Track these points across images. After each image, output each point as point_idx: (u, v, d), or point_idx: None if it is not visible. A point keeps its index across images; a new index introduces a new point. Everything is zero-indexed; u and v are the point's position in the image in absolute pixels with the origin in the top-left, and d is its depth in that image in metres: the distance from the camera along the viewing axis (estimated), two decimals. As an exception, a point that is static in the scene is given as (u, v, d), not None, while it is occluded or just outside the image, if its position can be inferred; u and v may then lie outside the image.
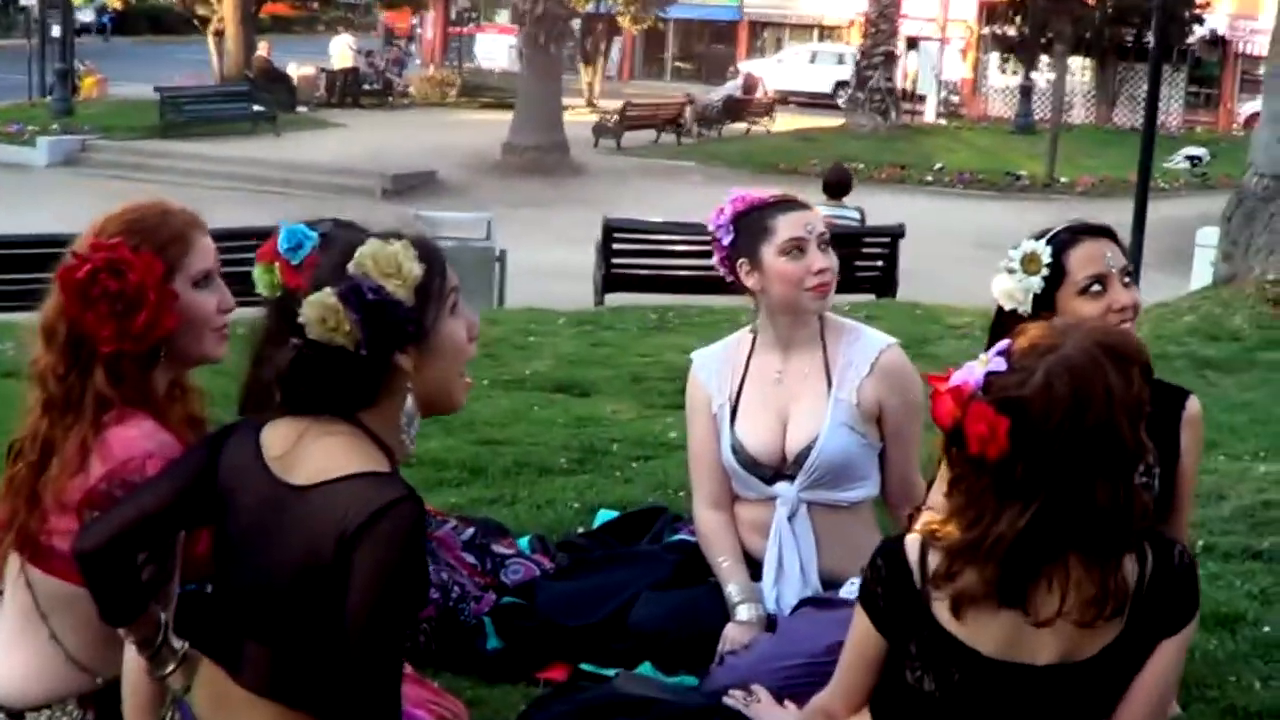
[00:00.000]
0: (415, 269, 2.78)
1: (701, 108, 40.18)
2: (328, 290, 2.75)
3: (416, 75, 48.31)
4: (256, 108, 36.37)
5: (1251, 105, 44.13)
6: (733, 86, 43.13)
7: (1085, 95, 47.25)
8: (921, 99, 45.87)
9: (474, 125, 38.22)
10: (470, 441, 7.13)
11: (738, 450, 4.60)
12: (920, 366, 4.74)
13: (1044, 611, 2.81)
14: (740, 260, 4.56)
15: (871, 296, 14.61)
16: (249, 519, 2.82)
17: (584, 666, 4.47)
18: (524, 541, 5.30)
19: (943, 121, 44.84)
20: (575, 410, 8.44)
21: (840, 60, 50.01)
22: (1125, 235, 4.12)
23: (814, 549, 4.54)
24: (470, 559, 4.86)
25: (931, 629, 2.90)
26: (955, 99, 49.43)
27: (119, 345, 3.16)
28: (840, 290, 4.89)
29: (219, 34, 42.12)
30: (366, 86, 44.02)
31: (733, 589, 4.50)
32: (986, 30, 48.88)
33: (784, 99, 45.71)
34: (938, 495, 3.76)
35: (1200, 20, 44.31)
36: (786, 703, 3.86)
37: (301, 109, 40.09)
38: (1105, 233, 3.92)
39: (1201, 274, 14.42)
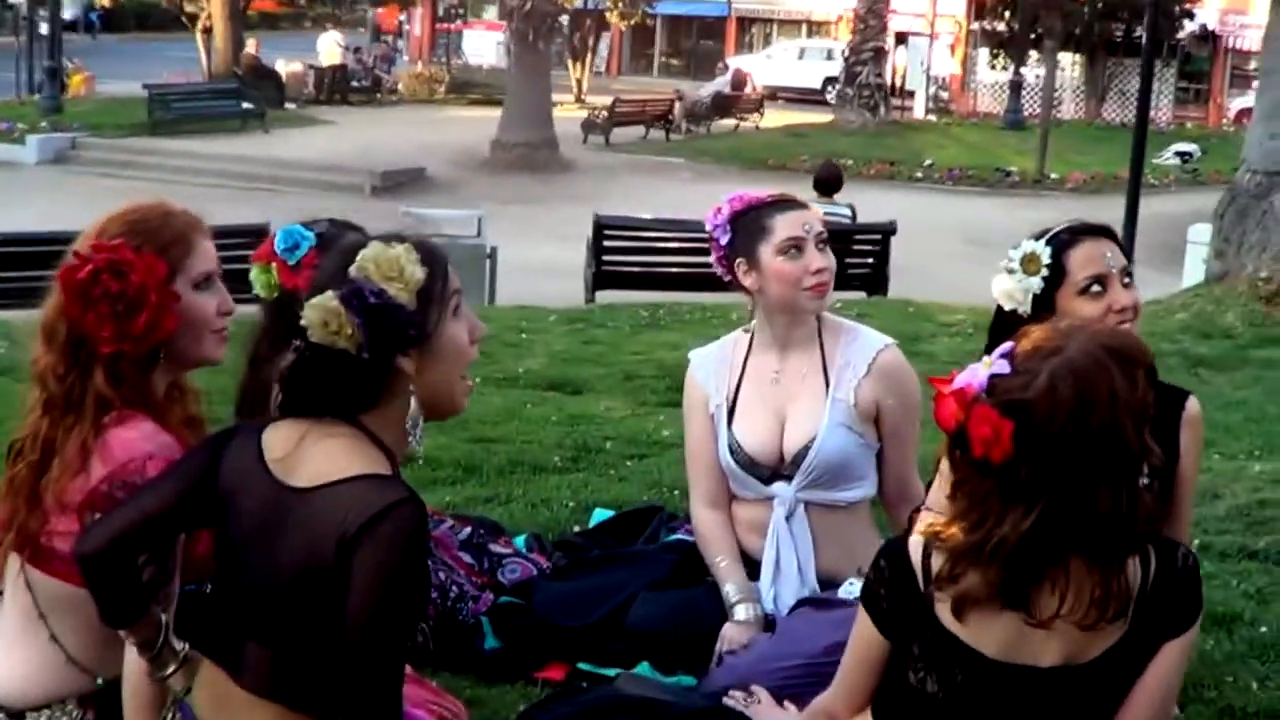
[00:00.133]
0: (417, 272, 2.78)
1: (690, 104, 40.15)
2: (330, 293, 2.74)
3: (405, 72, 48.24)
4: (245, 105, 36.27)
5: (1241, 101, 44.30)
6: (722, 82, 43.07)
7: (1074, 91, 47.29)
8: (910, 95, 45.86)
9: (462, 122, 38.19)
10: (464, 440, 7.13)
11: (735, 450, 4.60)
12: (914, 365, 4.75)
13: (1044, 613, 2.80)
14: (738, 260, 4.56)
15: (863, 294, 14.62)
16: (250, 521, 2.82)
17: (582, 666, 4.48)
18: (520, 540, 5.31)
19: (932, 118, 44.83)
20: (568, 408, 8.45)
21: (829, 56, 50.01)
22: (1117, 232, 4.11)
23: (811, 549, 4.55)
24: (467, 558, 4.86)
25: (935, 630, 2.90)
26: (944, 95, 49.44)
27: (119, 346, 3.16)
28: (831, 288, 4.90)
29: (207, 31, 42.04)
30: (355, 83, 43.92)
31: (730, 589, 4.50)
32: (975, 26, 48.90)
33: (773, 95, 45.75)
34: (937, 495, 3.76)
35: (1190, 15, 44.38)
36: (786, 704, 3.87)
37: (290, 106, 40.00)
38: (1105, 233, 3.92)
39: (1193, 271, 14.41)
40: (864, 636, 3.05)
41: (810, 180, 15.76)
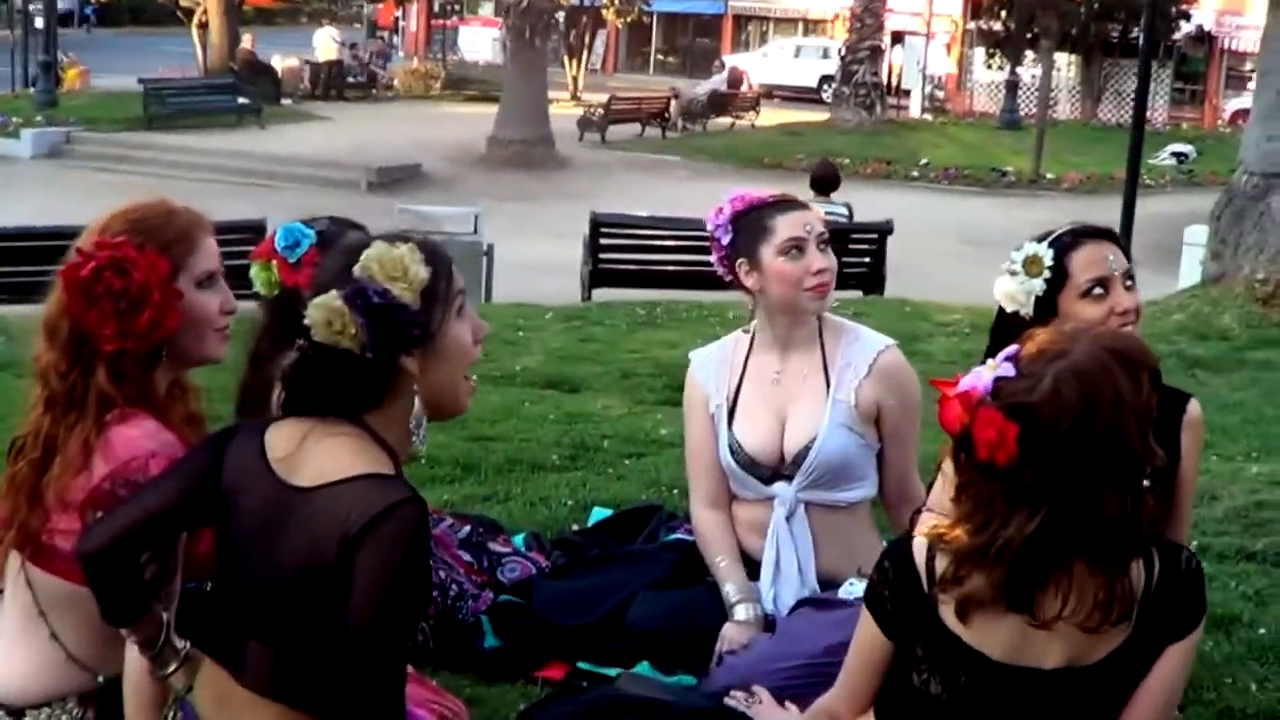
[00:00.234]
0: (421, 272, 2.77)
1: (686, 102, 40.15)
2: (333, 293, 2.73)
3: (400, 68, 48.21)
4: (241, 100, 36.23)
5: (1237, 102, 44.29)
6: (718, 81, 43.07)
7: (1070, 91, 47.30)
8: (906, 94, 45.86)
9: (458, 118, 38.16)
10: (462, 438, 7.13)
11: (736, 450, 4.60)
12: (911, 364, 4.75)
13: (1046, 614, 2.80)
14: (739, 260, 4.56)
15: (859, 293, 14.62)
16: (252, 520, 2.82)
17: (582, 665, 4.48)
18: (519, 539, 5.31)
19: (928, 117, 44.82)
20: (566, 406, 8.45)
21: (825, 55, 50.03)
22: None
23: (812, 549, 4.55)
24: (467, 557, 4.86)
25: (939, 632, 2.90)
26: (940, 94, 49.45)
27: (121, 344, 3.15)
28: (828, 287, 4.90)
29: (203, 26, 41.97)
30: (350, 79, 43.89)
31: (730, 589, 4.50)
32: (972, 25, 48.90)
33: (768, 93, 45.75)
34: (938, 496, 3.77)
35: (1187, 16, 44.38)
36: (788, 704, 3.87)
37: (286, 101, 39.95)
38: (1107, 235, 3.92)
39: (1190, 272, 14.41)
40: (867, 638, 3.05)
41: (806, 179, 15.75)
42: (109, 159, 29.98)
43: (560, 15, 39.09)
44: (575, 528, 5.73)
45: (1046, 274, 3.78)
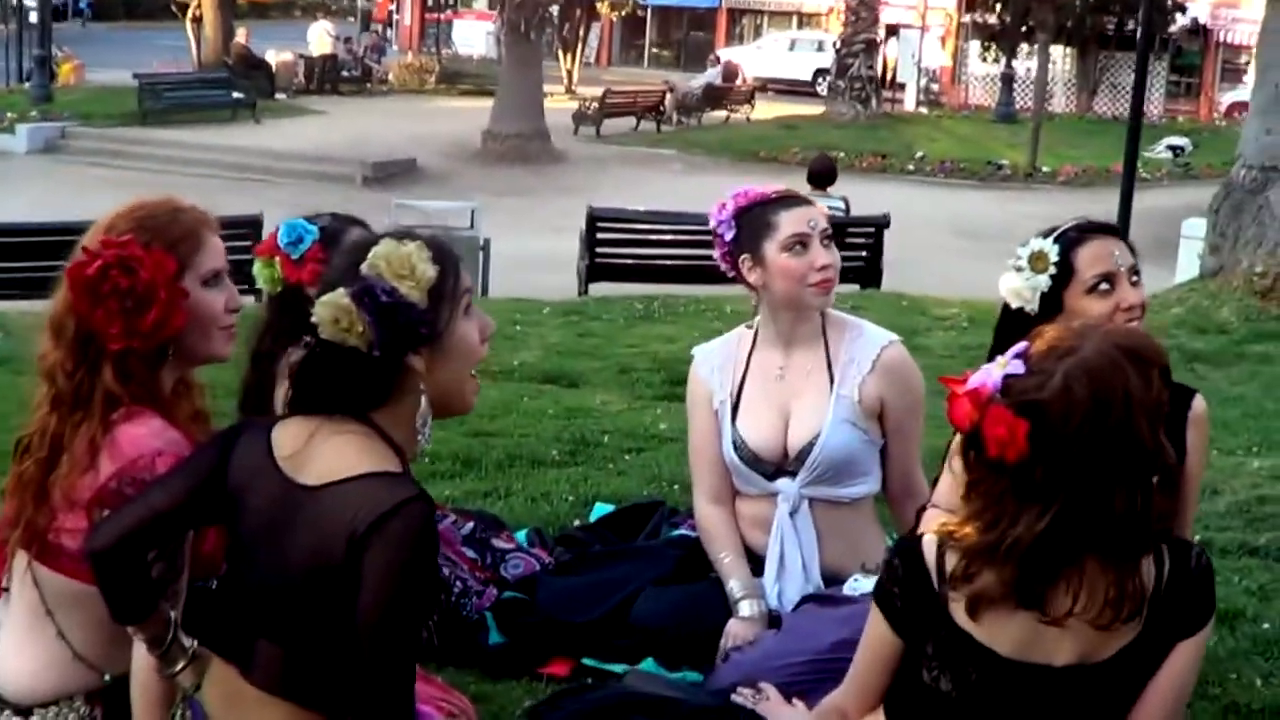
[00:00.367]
0: (429, 270, 2.77)
1: (681, 95, 40.13)
2: (341, 291, 2.74)
3: (395, 62, 48.14)
4: (236, 95, 36.17)
5: (1232, 94, 44.32)
6: (713, 74, 43.03)
7: (1066, 84, 47.30)
8: (901, 87, 45.87)
9: (453, 113, 38.11)
10: (461, 433, 7.12)
11: (739, 446, 4.59)
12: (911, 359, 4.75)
13: (1058, 611, 2.80)
14: (743, 256, 4.55)
15: (855, 287, 14.61)
16: (259, 519, 2.82)
17: (587, 662, 4.47)
18: (522, 535, 5.31)
19: (923, 110, 44.81)
20: (565, 401, 8.45)
21: (819, 48, 50.02)
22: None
23: (815, 545, 4.55)
24: (470, 554, 4.86)
25: (949, 629, 2.90)
26: (935, 87, 49.44)
27: (128, 343, 3.14)
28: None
29: (197, 20, 41.91)
30: (345, 73, 43.85)
31: (735, 585, 4.50)
32: (966, 18, 48.89)
33: (763, 86, 45.71)
34: (943, 492, 3.77)
35: (1182, 9, 44.37)
36: (794, 700, 3.86)
37: (280, 96, 39.88)
38: (1113, 231, 3.92)
39: (1188, 266, 14.39)
40: (877, 635, 3.04)
41: (802, 172, 15.75)
42: (104, 154, 29.96)
43: (554, 8, 39.04)
44: (577, 523, 5.73)
45: (1052, 270, 3.78)
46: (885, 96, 42.15)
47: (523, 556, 4.96)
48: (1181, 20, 44.91)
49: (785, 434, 4.56)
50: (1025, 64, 42.61)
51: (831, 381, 4.55)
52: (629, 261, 15.39)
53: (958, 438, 2.98)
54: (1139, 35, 17.27)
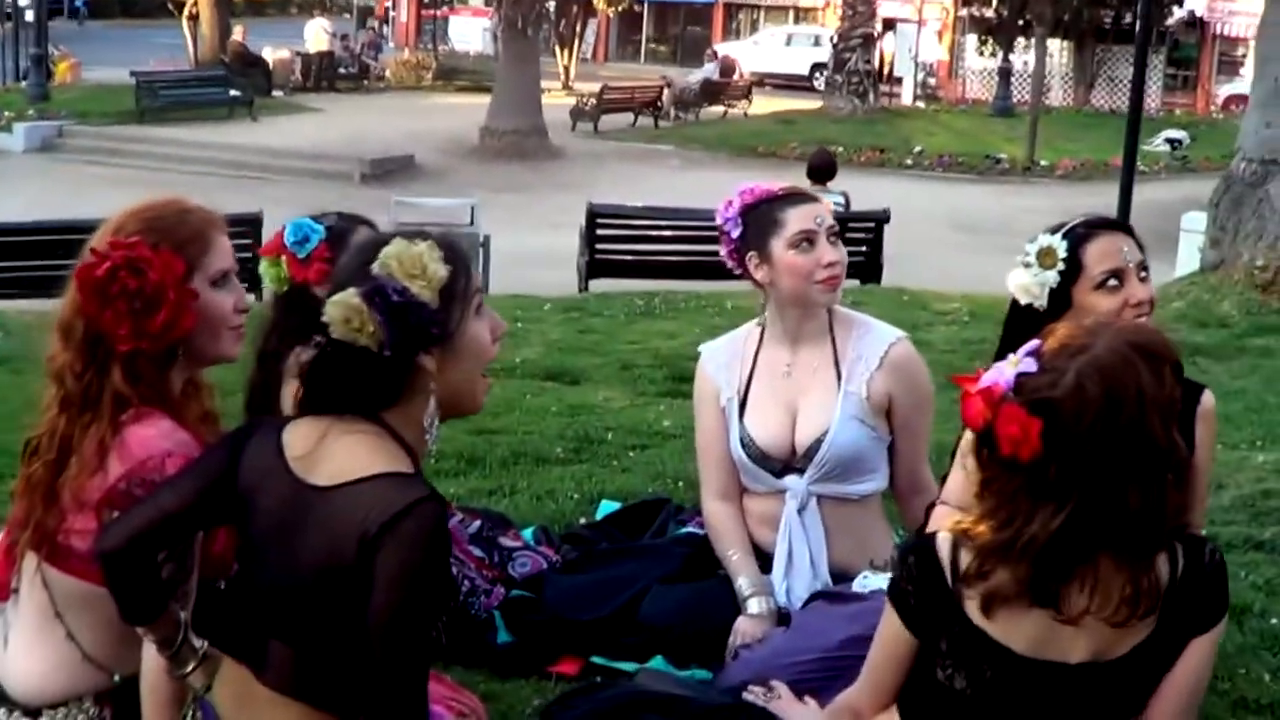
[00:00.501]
0: (440, 270, 2.77)
1: (679, 91, 40.11)
2: (352, 290, 2.73)
3: (391, 58, 48.12)
4: (233, 92, 36.18)
5: (1229, 87, 44.34)
6: (710, 69, 43.02)
7: (1063, 77, 47.26)
8: (898, 81, 45.88)
9: (451, 109, 38.11)
10: (465, 431, 7.10)
11: (747, 444, 4.59)
12: (914, 353, 4.75)
13: (1073, 610, 2.80)
14: (749, 253, 4.55)
15: (856, 282, 14.61)
16: (270, 519, 2.82)
17: (595, 660, 4.47)
18: (528, 533, 5.30)
19: (920, 104, 44.80)
20: (567, 398, 8.44)
21: (816, 42, 50.02)
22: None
23: (824, 542, 4.55)
24: (478, 552, 4.85)
25: (963, 627, 2.90)
26: (932, 81, 49.43)
27: (136, 344, 3.14)
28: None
29: (193, 18, 41.89)
30: (342, 70, 43.82)
31: (743, 582, 4.49)
32: (963, 12, 48.86)
33: (760, 81, 45.71)
34: (953, 488, 3.77)
35: (1179, 1, 44.36)
36: (806, 698, 3.86)
37: (277, 93, 39.90)
38: (1121, 227, 3.91)
39: (1187, 259, 14.40)
40: (891, 633, 3.04)
41: (801, 167, 15.74)
42: (101, 152, 29.96)
43: (551, 4, 39.01)
44: (583, 521, 5.72)
45: (1060, 266, 3.77)
46: (882, 91, 42.13)
47: (530, 555, 4.95)
48: (1178, 13, 44.91)
49: (793, 431, 4.55)
50: (1022, 58, 42.60)
51: (839, 378, 4.55)
52: (629, 258, 15.38)
53: (968, 435, 2.97)
54: (1138, 28, 17.25)
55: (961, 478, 3.49)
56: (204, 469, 2.95)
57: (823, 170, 14.76)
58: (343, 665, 2.74)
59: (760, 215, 4.54)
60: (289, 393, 4.10)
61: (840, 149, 28.69)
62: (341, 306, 2.73)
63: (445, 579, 2.91)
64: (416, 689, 2.70)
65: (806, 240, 4.47)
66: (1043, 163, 32.99)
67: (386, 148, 31.19)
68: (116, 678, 3.23)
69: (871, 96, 40.17)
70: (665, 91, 39.36)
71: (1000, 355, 3.46)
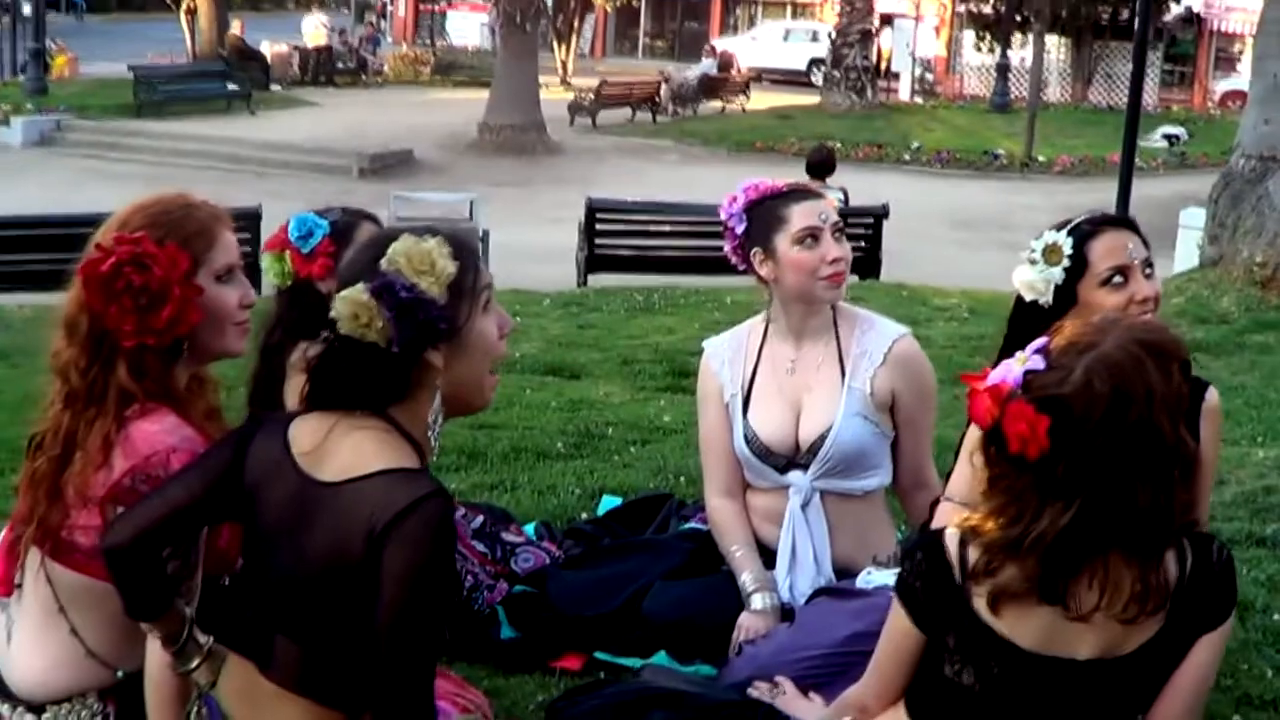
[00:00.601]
0: (449, 266, 2.77)
1: (677, 86, 40.07)
2: (360, 286, 2.73)
3: (389, 53, 48.09)
4: (231, 86, 36.17)
5: (1226, 83, 44.29)
6: (708, 64, 42.98)
7: (1060, 74, 47.24)
8: (896, 77, 45.83)
9: (449, 104, 38.08)
10: (465, 426, 7.10)
11: (751, 439, 4.59)
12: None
13: (1083, 607, 2.80)
14: (754, 249, 4.55)
15: (855, 277, 14.60)
16: (277, 515, 2.82)
17: (599, 656, 4.47)
18: (530, 528, 5.30)
19: (918, 100, 44.77)
20: (568, 393, 8.45)
21: (813, 38, 49.94)
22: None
23: (827, 538, 4.55)
24: (481, 547, 4.85)
25: (971, 622, 2.89)
26: (929, 77, 49.39)
27: (141, 340, 3.13)
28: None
29: (191, 12, 41.86)
30: (340, 65, 43.78)
31: (747, 578, 4.50)
32: (961, 8, 48.83)
33: (757, 77, 45.63)
34: (958, 484, 3.77)
35: (1176, -2, 44.38)
36: (811, 694, 3.86)
37: (276, 88, 39.83)
38: (1126, 224, 3.91)
39: (1186, 255, 14.39)
40: (898, 629, 3.03)
41: (799, 163, 15.75)
42: (100, 147, 29.92)
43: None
44: (585, 516, 5.73)
45: (1066, 263, 3.77)
46: (880, 87, 42.09)
47: (533, 550, 4.95)
48: (1175, 9, 44.88)
49: (797, 427, 4.55)
50: (1020, 53, 42.57)
51: (843, 374, 4.55)
52: (628, 252, 15.39)
53: (974, 432, 2.97)
54: (1136, 24, 17.25)
55: (966, 473, 3.49)
56: (210, 465, 2.95)
57: (822, 166, 14.76)
58: (349, 661, 2.73)
59: (765, 211, 4.55)
60: (292, 387, 4.10)
61: (838, 144, 28.66)
62: (350, 302, 2.72)
63: (452, 574, 2.91)
64: (423, 685, 2.70)
65: (811, 236, 4.47)
66: (1040, 159, 32.92)
67: (385, 142, 31.16)
68: (120, 674, 3.23)
69: (869, 92, 40.13)
70: (663, 87, 39.30)
71: (1005, 352, 3.47)
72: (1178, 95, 48.01)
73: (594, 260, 15.26)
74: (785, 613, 4.41)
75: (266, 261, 4.38)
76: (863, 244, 15.04)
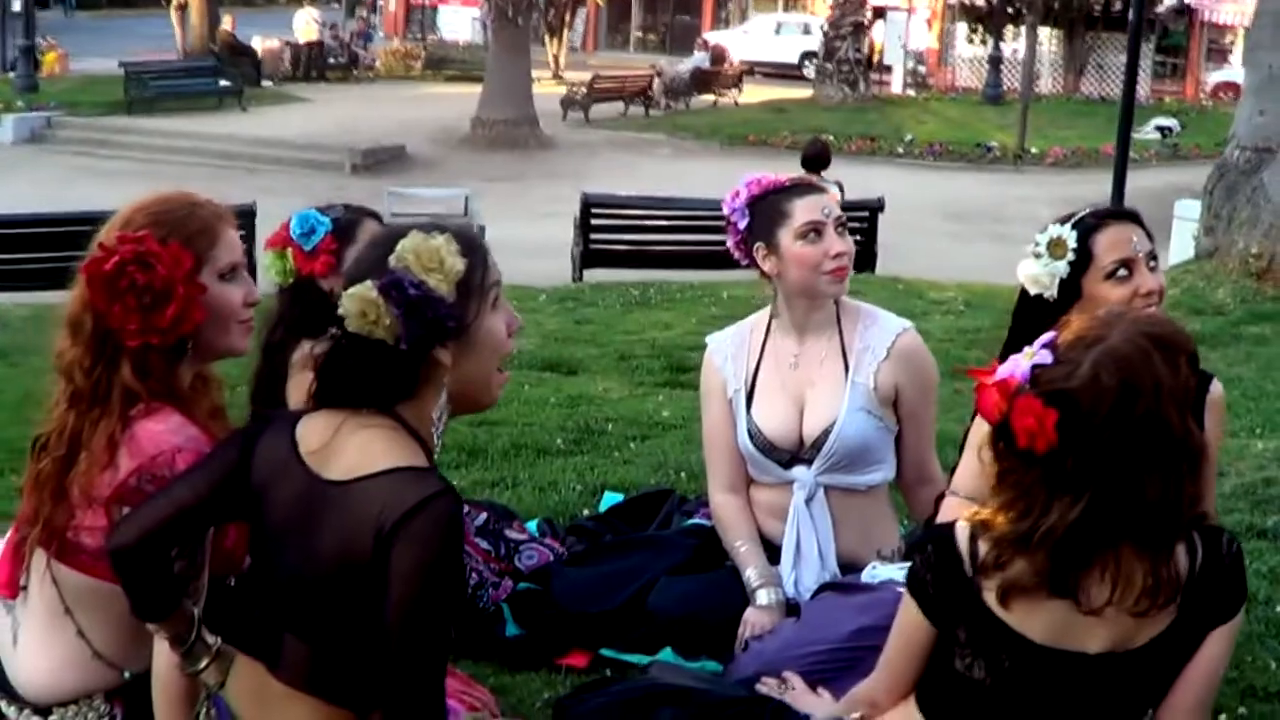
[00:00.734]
0: (457, 264, 2.76)
1: (669, 80, 40.03)
2: (368, 283, 2.72)
3: (381, 48, 48.02)
4: (222, 82, 36.06)
5: (1218, 75, 44.29)
6: (700, 58, 42.93)
7: (1052, 65, 47.22)
8: (888, 69, 45.79)
9: (441, 99, 38.02)
10: (465, 423, 7.09)
11: (754, 435, 4.59)
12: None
13: (1095, 601, 2.80)
14: (756, 244, 4.55)
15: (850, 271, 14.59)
16: (285, 514, 2.81)
17: (605, 652, 4.47)
18: (532, 525, 5.30)
19: (910, 93, 44.74)
20: (566, 389, 8.44)
21: (805, 30, 49.88)
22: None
23: (831, 533, 4.55)
24: (485, 545, 4.84)
25: (982, 616, 2.90)
26: (921, 69, 49.36)
27: (146, 339, 3.12)
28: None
29: (181, 8, 41.78)
30: (331, 60, 43.71)
31: (751, 573, 4.50)
32: (953, 1, 48.81)
33: (749, 70, 45.58)
34: (963, 478, 3.76)
35: (1168, -11, 44.38)
36: (819, 690, 3.86)
37: (267, 83, 39.74)
38: (1131, 217, 3.91)
39: (1181, 247, 14.38)
40: (909, 623, 3.04)
41: (792, 156, 15.73)
42: (91, 143, 29.89)
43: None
44: (587, 513, 5.72)
45: (1070, 256, 3.76)
46: (872, 79, 42.07)
47: (536, 547, 4.95)
48: (1167, 0, 44.88)
49: (800, 422, 4.56)
50: (1012, 45, 42.56)
51: (846, 369, 4.55)
52: (623, 248, 15.36)
53: (982, 426, 2.97)
54: (1130, 16, 17.23)
55: (972, 468, 3.50)
56: (216, 464, 2.94)
57: (817, 160, 14.77)
58: (358, 660, 2.73)
59: (767, 206, 4.54)
60: (294, 385, 4.10)
61: (831, 137, 28.66)
62: (358, 299, 2.72)
63: (460, 573, 2.91)
64: (433, 683, 2.69)
65: (814, 231, 4.47)
66: (1033, 150, 32.92)
67: (377, 138, 31.12)
68: (127, 675, 3.22)
69: (862, 85, 40.11)
70: (656, 80, 39.27)
71: (1010, 345, 3.48)
72: (1170, 87, 47.97)
73: (589, 255, 15.23)
74: (790, 608, 4.41)
75: (268, 259, 4.37)
76: (858, 237, 14.99)
